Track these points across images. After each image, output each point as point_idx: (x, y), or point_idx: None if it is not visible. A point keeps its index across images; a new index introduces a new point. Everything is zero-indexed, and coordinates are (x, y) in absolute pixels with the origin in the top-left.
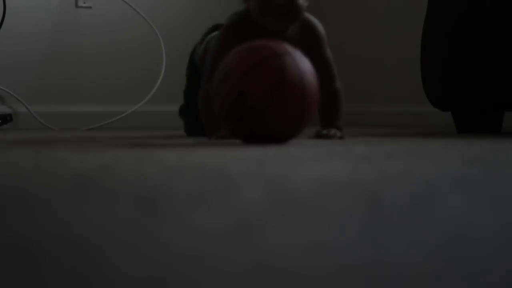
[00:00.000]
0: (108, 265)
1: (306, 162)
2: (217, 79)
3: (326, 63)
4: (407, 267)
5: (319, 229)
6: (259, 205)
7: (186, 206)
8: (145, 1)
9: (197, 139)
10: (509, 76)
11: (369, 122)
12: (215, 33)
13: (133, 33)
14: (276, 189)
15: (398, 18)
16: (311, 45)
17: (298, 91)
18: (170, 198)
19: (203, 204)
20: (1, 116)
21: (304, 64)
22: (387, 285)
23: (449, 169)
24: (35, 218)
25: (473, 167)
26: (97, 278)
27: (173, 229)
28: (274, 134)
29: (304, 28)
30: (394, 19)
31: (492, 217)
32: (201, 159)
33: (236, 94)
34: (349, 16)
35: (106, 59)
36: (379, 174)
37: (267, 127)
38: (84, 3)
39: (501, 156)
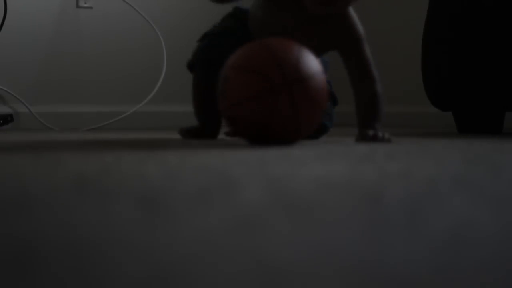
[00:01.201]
0: (109, 265)
1: (306, 162)
2: (218, 88)
3: (364, 64)
4: (407, 267)
5: (320, 229)
6: (260, 205)
7: (187, 206)
8: (146, 1)
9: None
10: (510, 76)
11: None
12: None
13: (134, 34)
14: (277, 189)
15: (398, 18)
16: (347, 43)
17: (290, 128)
18: (171, 198)
19: (204, 204)
20: (2, 116)
21: (303, 98)
22: (387, 285)
23: (449, 169)
24: (36, 218)
25: (473, 167)
26: (98, 278)
27: (174, 229)
28: (274, 139)
29: (340, 23)
30: (394, 19)
31: (493, 217)
32: (202, 159)
33: (229, 118)
34: None
35: (107, 60)
36: (379, 174)
37: (265, 136)
38: (85, 3)
39: (501, 156)
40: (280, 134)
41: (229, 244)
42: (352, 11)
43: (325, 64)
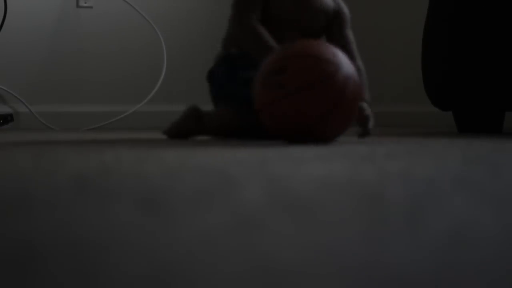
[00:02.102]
0: (109, 265)
1: (306, 162)
2: (268, 70)
3: (349, 41)
4: (407, 267)
5: (320, 229)
6: (259, 205)
7: (187, 206)
8: (146, 1)
9: (196, 140)
10: (510, 76)
11: None
12: None
13: (134, 33)
14: (276, 189)
15: (398, 18)
16: (334, 22)
17: (330, 123)
18: (171, 198)
19: (204, 204)
20: (2, 116)
21: (352, 94)
22: (387, 285)
23: (449, 168)
24: (36, 218)
25: (473, 167)
26: (98, 278)
27: (174, 229)
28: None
29: (331, 6)
30: (394, 19)
31: (493, 217)
32: (201, 159)
33: (286, 110)
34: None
35: (107, 59)
36: (379, 174)
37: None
38: (85, 3)
39: (501, 156)
40: (319, 131)
41: (228, 244)
42: None
43: None
